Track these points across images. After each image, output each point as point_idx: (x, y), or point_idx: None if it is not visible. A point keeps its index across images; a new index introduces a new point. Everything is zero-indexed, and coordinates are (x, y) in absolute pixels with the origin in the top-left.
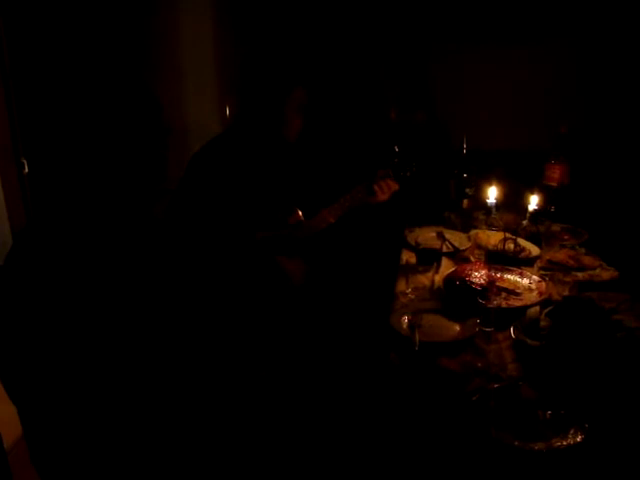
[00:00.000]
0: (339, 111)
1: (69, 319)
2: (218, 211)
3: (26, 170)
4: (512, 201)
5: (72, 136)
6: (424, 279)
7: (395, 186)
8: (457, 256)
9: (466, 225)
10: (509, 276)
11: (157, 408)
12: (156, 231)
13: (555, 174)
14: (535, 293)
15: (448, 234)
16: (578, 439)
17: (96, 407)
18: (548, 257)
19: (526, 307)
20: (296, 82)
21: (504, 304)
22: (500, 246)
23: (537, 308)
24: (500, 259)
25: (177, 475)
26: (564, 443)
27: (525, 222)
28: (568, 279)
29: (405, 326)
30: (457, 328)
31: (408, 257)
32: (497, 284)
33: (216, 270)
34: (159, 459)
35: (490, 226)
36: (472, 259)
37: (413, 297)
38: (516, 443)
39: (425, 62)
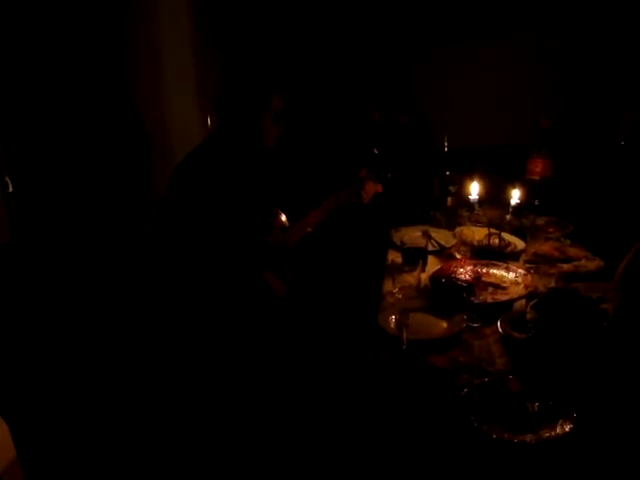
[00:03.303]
0: (320, 115)
1: (57, 330)
2: (205, 220)
3: (10, 189)
4: (495, 196)
5: (55, 154)
6: (410, 278)
7: (377, 188)
8: (443, 254)
9: (451, 222)
10: (495, 271)
11: (154, 418)
12: (142, 242)
13: (538, 168)
14: (521, 286)
15: (434, 232)
16: (567, 429)
17: (91, 418)
18: (533, 250)
19: (512, 301)
20: (273, 91)
21: (490, 299)
22: (485, 241)
23: (523, 301)
24: (486, 254)
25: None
26: (553, 434)
27: (508, 216)
28: (553, 271)
29: (393, 325)
30: (444, 325)
31: (394, 257)
32: (483, 279)
33: (207, 277)
34: (158, 465)
35: (475, 222)
36: (458, 256)
37: (400, 296)
38: (505, 436)
39: (408, 64)
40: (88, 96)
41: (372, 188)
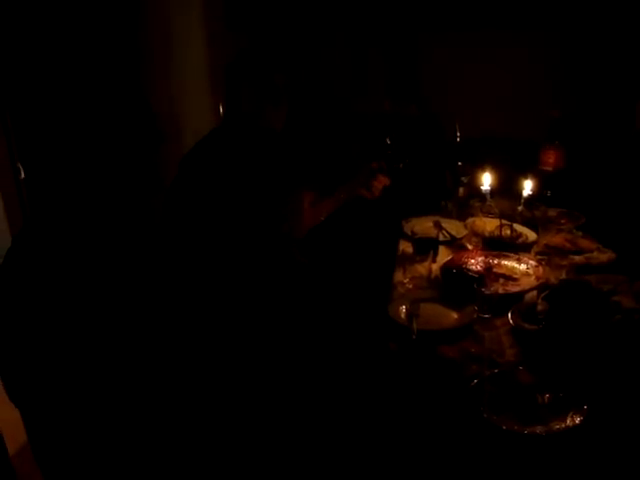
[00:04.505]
0: (330, 106)
1: (69, 318)
2: (218, 208)
3: (22, 175)
4: (507, 187)
5: (67, 142)
6: (421, 268)
7: (386, 181)
8: (454, 244)
9: (462, 213)
10: (506, 262)
11: (159, 406)
12: (154, 230)
13: (550, 159)
14: (532, 278)
15: (445, 223)
16: (577, 421)
17: (99, 407)
18: (545, 242)
19: (524, 292)
20: (274, 71)
21: (501, 290)
22: (497, 233)
23: (534, 293)
24: (497, 245)
25: (178, 475)
26: (563, 426)
27: (520, 208)
28: (565, 263)
29: (403, 315)
30: (455, 316)
31: (405, 247)
32: (494, 270)
33: (226, 266)
34: (161, 458)
35: (486, 213)
36: (469, 247)
37: (411, 286)
38: (515, 427)
39: (416, 54)
40: (101, 89)
41: (382, 181)
